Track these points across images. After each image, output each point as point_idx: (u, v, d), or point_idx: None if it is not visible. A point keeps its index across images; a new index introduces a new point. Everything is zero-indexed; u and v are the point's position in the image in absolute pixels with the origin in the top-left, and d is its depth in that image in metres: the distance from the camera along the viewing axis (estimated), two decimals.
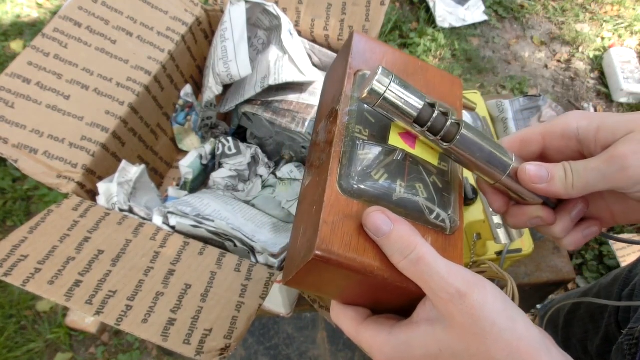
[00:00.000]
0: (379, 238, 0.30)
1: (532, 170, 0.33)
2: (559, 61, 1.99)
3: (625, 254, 1.39)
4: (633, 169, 0.30)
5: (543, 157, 0.36)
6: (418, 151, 0.35)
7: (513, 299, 0.47)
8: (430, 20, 2.00)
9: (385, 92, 0.31)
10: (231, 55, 0.63)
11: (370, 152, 0.33)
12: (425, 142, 0.35)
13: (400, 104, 0.32)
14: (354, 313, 0.34)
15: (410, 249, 0.29)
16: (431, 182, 0.34)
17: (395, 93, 0.31)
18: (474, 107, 0.48)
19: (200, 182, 0.70)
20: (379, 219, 0.30)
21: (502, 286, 0.48)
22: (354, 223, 0.31)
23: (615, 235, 0.45)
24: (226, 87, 0.69)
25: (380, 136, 0.34)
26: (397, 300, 0.33)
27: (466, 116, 0.68)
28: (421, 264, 0.29)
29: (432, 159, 0.35)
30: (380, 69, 0.31)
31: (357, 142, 0.33)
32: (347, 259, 0.29)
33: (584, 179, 0.31)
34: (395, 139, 0.34)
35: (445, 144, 0.33)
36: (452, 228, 0.34)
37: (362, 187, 0.32)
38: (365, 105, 0.35)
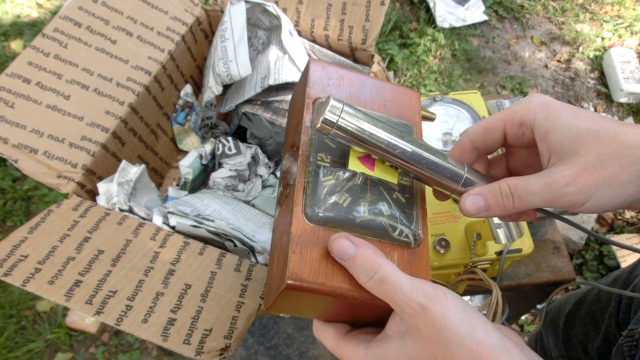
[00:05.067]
0: (345, 262, 0.32)
1: (469, 205, 0.35)
2: (559, 61, 1.99)
3: (625, 254, 1.39)
4: (570, 196, 0.32)
5: (505, 143, 0.38)
6: (377, 172, 0.36)
7: (496, 307, 0.48)
8: (430, 20, 2.00)
9: (337, 120, 0.33)
10: (231, 55, 0.63)
11: (332, 178, 0.35)
12: (384, 163, 0.37)
13: (354, 130, 0.33)
14: (333, 330, 0.36)
15: (375, 270, 0.31)
16: (393, 199, 0.36)
17: (348, 120, 0.33)
18: (433, 117, 0.49)
19: (200, 182, 0.70)
20: (343, 244, 0.32)
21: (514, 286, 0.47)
22: (322, 249, 0.33)
23: (616, 241, 0.46)
24: (226, 87, 0.69)
25: (341, 161, 0.36)
26: (371, 315, 0.35)
27: (467, 116, 0.68)
28: (385, 283, 0.31)
29: (392, 177, 0.37)
30: (332, 99, 0.33)
31: (320, 170, 0.35)
32: (318, 284, 0.32)
33: (525, 202, 0.33)
34: (354, 163, 0.36)
35: (402, 162, 0.35)
36: (416, 241, 0.36)
37: (327, 214, 0.34)
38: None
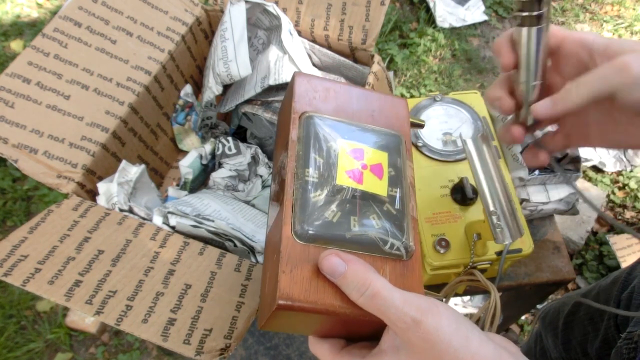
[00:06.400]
0: (336, 279, 0.32)
1: (540, 106, 0.38)
2: None
3: (625, 254, 1.39)
4: (634, 68, 0.33)
5: (555, 55, 0.40)
6: (366, 185, 0.36)
7: (495, 310, 0.48)
8: (430, 20, 2.00)
9: None
10: (231, 55, 0.63)
11: (321, 194, 0.35)
12: (372, 175, 0.37)
13: None
14: (329, 345, 0.36)
15: (366, 286, 0.31)
16: (383, 212, 0.36)
17: None
18: (422, 124, 0.49)
19: (200, 182, 0.70)
20: (333, 261, 0.32)
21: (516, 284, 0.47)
22: (312, 267, 0.33)
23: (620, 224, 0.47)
24: (226, 87, 0.69)
25: (329, 175, 0.36)
26: (365, 330, 0.35)
27: (467, 116, 0.68)
28: (377, 299, 0.31)
29: (381, 190, 0.37)
30: None
31: (308, 186, 0.35)
32: (309, 303, 0.31)
33: (590, 85, 0.35)
34: (342, 178, 0.36)
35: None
36: (408, 254, 0.36)
37: (316, 231, 0.33)
38: (312, 147, 0.36)
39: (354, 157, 0.37)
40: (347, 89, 0.41)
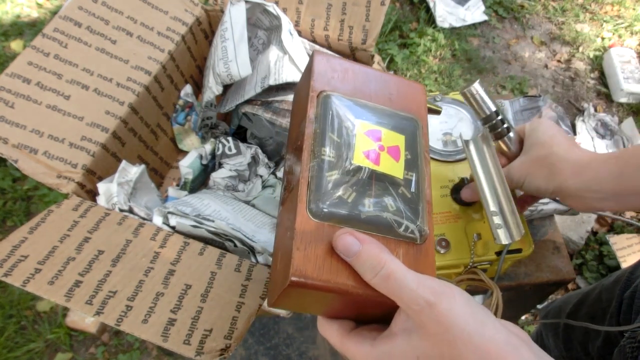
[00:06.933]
0: (350, 258, 0.32)
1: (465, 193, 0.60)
2: (559, 61, 1.99)
3: (625, 254, 1.39)
4: (512, 171, 0.52)
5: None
6: (383, 167, 0.36)
7: (497, 308, 0.48)
8: (430, 20, 2.00)
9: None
10: (231, 55, 0.63)
11: (336, 173, 0.35)
12: (389, 157, 0.37)
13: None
14: (338, 326, 0.35)
15: (380, 266, 0.31)
16: (399, 194, 0.36)
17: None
18: (439, 110, 0.49)
19: (200, 182, 0.70)
20: (347, 240, 0.31)
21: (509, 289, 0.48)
22: (326, 245, 0.32)
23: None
24: (226, 87, 0.69)
25: (345, 155, 0.36)
26: (376, 311, 0.34)
27: (467, 116, 0.68)
28: (391, 280, 0.30)
29: (397, 172, 0.36)
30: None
31: (324, 164, 0.35)
32: (322, 281, 0.31)
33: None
34: (359, 158, 0.35)
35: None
36: (422, 237, 0.35)
37: (331, 210, 0.33)
38: (330, 126, 0.36)
39: (371, 138, 0.37)
40: (366, 70, 0.41)
